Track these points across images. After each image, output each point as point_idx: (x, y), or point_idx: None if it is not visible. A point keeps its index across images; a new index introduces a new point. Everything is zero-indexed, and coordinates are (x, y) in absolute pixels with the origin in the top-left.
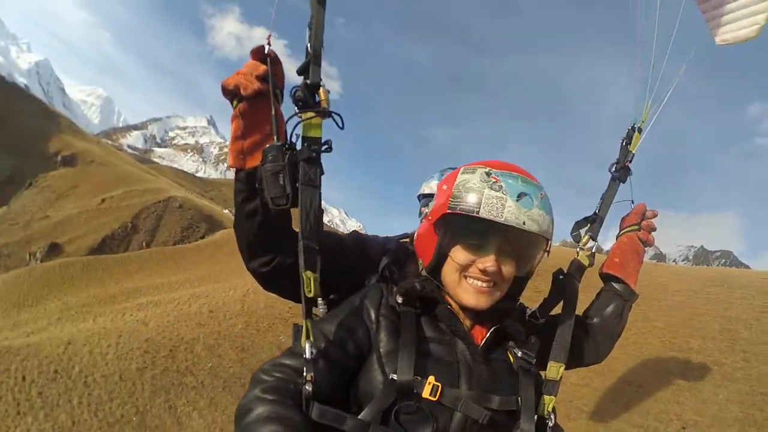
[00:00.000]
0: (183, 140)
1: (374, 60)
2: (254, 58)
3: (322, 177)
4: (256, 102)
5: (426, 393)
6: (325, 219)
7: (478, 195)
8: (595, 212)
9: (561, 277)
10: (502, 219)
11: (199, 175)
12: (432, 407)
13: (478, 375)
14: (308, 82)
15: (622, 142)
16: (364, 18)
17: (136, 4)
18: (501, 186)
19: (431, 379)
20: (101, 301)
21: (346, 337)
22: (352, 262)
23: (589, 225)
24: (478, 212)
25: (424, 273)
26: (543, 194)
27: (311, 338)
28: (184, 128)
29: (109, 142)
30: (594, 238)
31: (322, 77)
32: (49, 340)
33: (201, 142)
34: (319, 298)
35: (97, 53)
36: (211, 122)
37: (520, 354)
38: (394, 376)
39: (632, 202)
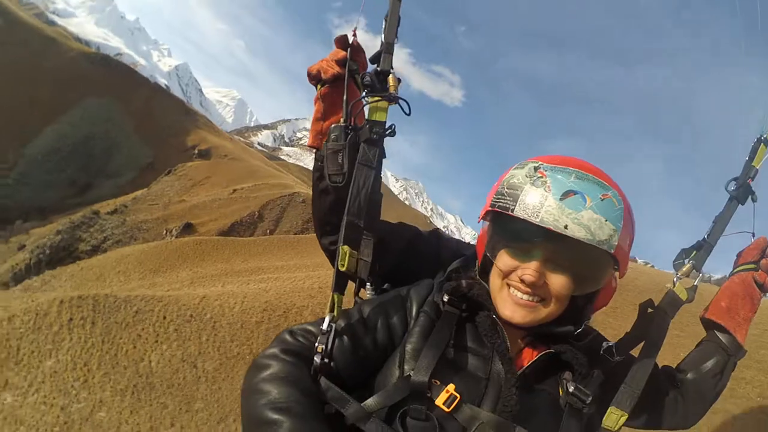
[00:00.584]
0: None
1: (496, 70)
2: (337, 46)
3: (383, 160)
4: (335, 86)
5: (440, 401)
6: (440, 224)
7: (518, 191)
8: (704, 237)
9: (649, 310)
10: (537, 219)
11: None
12: (443, 419)
13: (508, 400)
14: (378, 69)
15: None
16: (486, 26)
17: (268, 16)
18: (545, 182)
19: (451, 387)
20: (228, 273)
21: (380, 323)
22: (423, 262)
23: (695, 252)
24: (513, 210)
25: (476, 276)
26: (607, 195)
27: (335, 312)
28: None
29: (241, 139)
30: (698, 268)
31: (394, 66)
32: (186, 294)
33: None
34: (369, 284)
35: (232, 59)
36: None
37: (572, 389)
38: (412, 374)
39: (753, 234)
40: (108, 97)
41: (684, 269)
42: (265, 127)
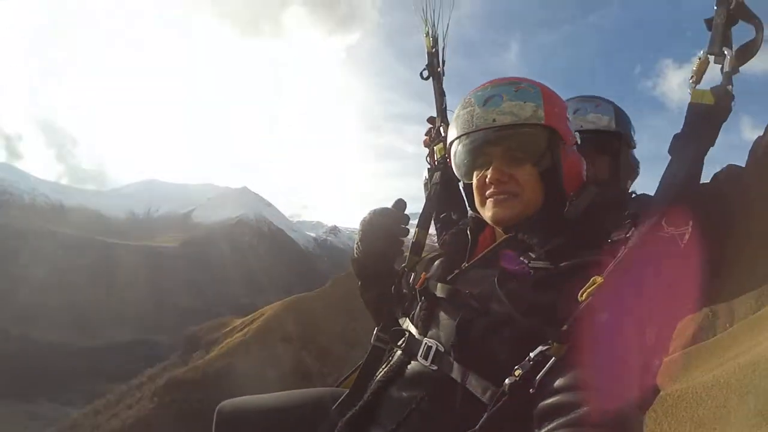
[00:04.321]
0: None
1: None
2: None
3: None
4: None
5: (416, 282)
6: None
7: (456, 120)
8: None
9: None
10: (474, 127)
11: None
12: (420, 290)
13: (461, 274)
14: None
15: None
16: None
17: None
18: (470, 101)
19: (423, 274)
20: None
21: None
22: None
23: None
24: (456, 133)
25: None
26: (521, 87)
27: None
28: None
29: None
30: (714, 51)
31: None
32: None
33: None
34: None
35: None
36: None
37: (521, 258)
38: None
39: None
40: None
41: (697, 62)
42: None
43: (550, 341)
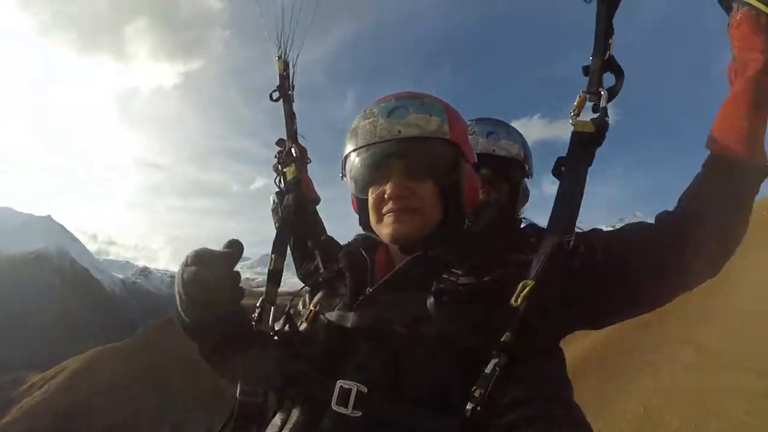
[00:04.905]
0: None
1: None
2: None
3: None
4: None
5: (305, 317)
6: None
7: (356, 130)
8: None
9: (562, 168)
10: (377, 138)
11: None
12: (309, 329)
13: (367, 301)
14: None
15: None
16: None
17: None
18: (373, 111)
19: (312, 307)
20: None
21: None
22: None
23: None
24: (356, 143)
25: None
26: (426, 101)
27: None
28: None
29: None
30: (591, 91)
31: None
32: None
33: None
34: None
35: None
36: None
37: (444, 276)
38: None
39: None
40: None
41: (575, 102)
42: None
43: (495, 352)
